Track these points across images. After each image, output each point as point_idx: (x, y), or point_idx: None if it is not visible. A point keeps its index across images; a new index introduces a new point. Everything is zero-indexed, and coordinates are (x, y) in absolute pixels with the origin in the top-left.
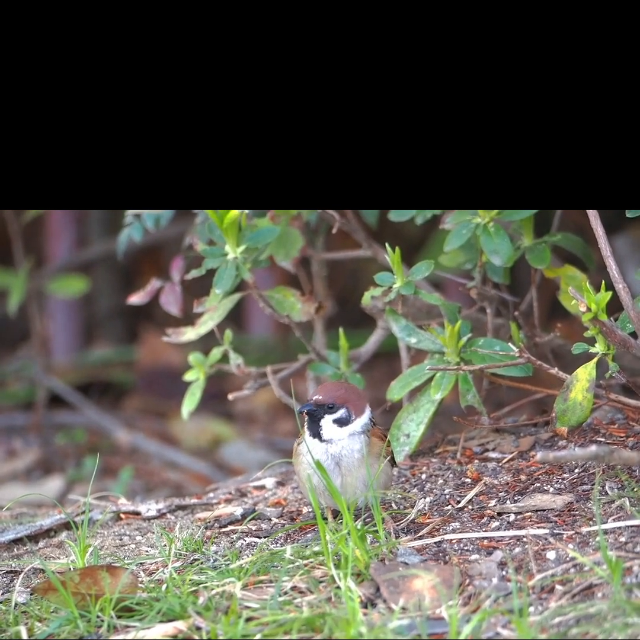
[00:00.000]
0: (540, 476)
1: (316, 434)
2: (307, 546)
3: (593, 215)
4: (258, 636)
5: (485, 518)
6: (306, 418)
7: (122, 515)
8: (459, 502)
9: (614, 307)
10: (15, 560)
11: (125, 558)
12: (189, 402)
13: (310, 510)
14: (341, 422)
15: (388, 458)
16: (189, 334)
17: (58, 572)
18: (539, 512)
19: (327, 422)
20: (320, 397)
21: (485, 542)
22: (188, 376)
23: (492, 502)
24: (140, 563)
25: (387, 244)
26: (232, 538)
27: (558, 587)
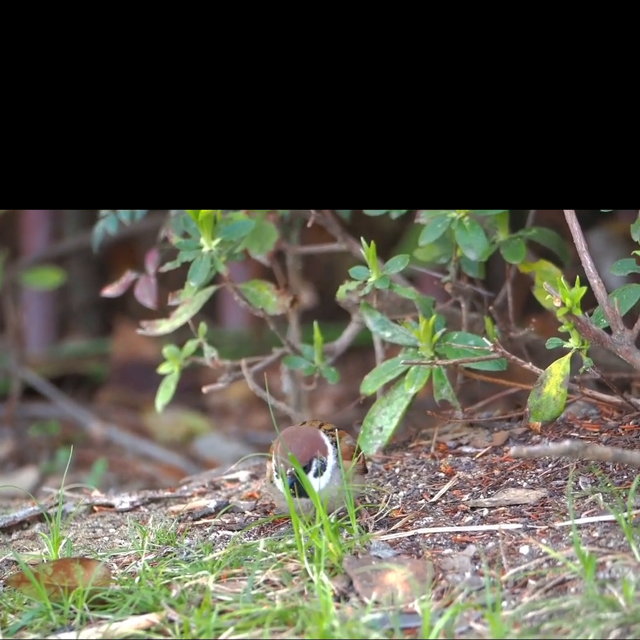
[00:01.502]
0: (513, 471)
1: (302, 492)
2: (280, 539)
3: (568, 211)
4: (231, 629)
5: (459, 512)
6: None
7: (96, 508)
8: (432, 496)
9: (589, 302)
10: None
11: (99, 550)
12: (163, 395)
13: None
14: (319, 472)
15: (358, 466)
16: (164, 326)
17: (31, 564)
18: (512, 507)
19: (309, 480)
20: (293, 469)
21: (459, 536)
22: (162, 369)
23: (466, 497)
24: (114, 555)
25: (362, 238)
26: (206, 531)
27: (531, 582)
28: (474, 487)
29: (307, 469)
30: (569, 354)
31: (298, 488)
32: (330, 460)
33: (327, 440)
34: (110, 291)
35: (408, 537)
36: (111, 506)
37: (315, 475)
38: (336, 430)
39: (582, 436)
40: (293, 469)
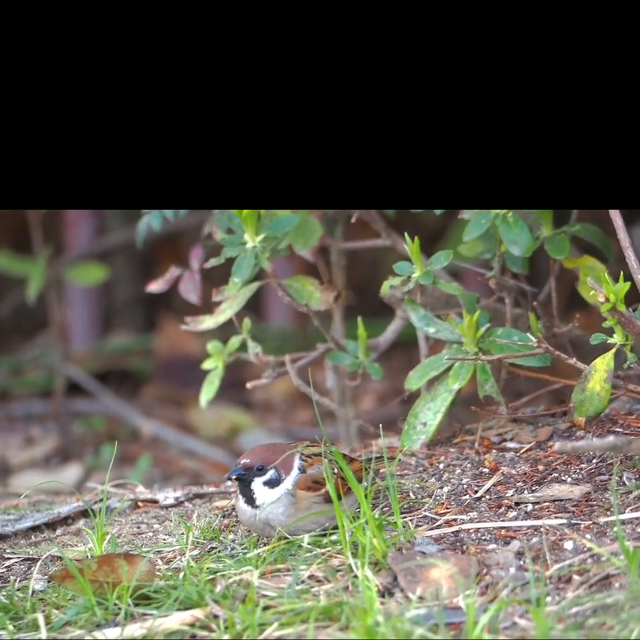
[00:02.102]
0: (557, 466)
1: (249, 499)
2: (324, 535)
3: None
4: (275, 625)
5: (503, 508)
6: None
7: (140, 503)
8: (476, 491)
9: (633, 297)
10: (32, 547)
11: (143, 546)
12: (207, 391)
13: None
14: (272, 484)
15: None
16: (208, 322)
17: (75, 560)
18: (556, 502)
19: (257, 485)
20: (248, 461)
21: (503, 531)
22: (206, 365)
23: (510, 492)
24: (158, 551)
25: (406, 234)
26: None
27: (575, 577)
28: (518, 482)
29: (260, 471)
30: (613, 350)
31: (243, 490)
32: (287, 481)
33: (296, 463)
34: (155, 287)
35: (452, 532)
36: (155, 502)
37: (267, 484)
38: (322, 457)
39: (626, 431)
40: (245, 462)
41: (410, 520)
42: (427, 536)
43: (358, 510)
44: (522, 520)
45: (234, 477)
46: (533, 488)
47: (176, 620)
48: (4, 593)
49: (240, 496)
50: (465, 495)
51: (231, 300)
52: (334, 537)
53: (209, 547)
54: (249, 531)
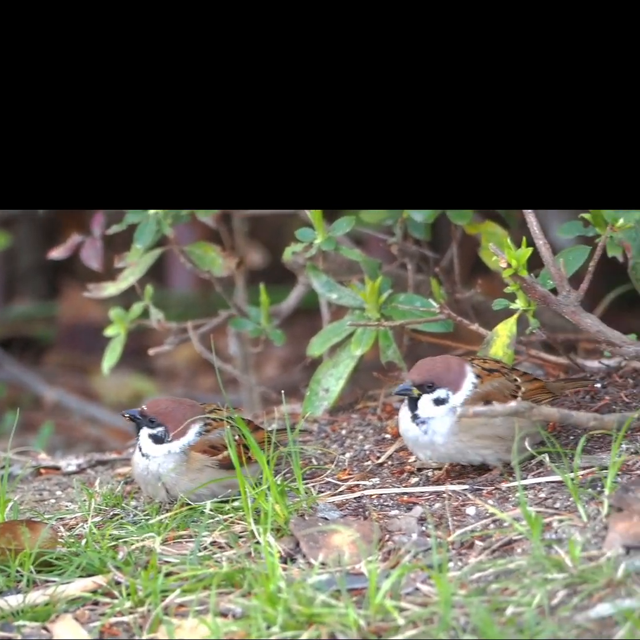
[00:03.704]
0: None
1: (138, 447)
2: (226, 501)
3: None
4: (177, 591)
5: (405, 474)
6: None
7: (42, 470)
8: (379, 457)
9: (535, 263)
10: None
11: (45, 513)
12: (110, 358)
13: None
14: (156, 439)
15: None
16: (110, 289)
17: None
18: (458, 467)
19: (144, 435)
20: (145, 408)
21: (405, 497)
22: (109, 331)
23: (412, 458)
24: (60, 518)
25: None
26: None
27: (478, 542)
28: None
29: (151, 423)
30: (516, 315)
31: (137, 437)
32: (180, 442)
33: (197, 426)
34: (57, 254)
35: (354, 498)
36: (58, 469)
37: (154, 439)
38: (225, 423)
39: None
40: (142, 408)
41: (313, 486)
42: (329, 502)
43: (261, 476)
44: (423, 486)
45: (127, 415)
46: None
47: (78, 587)
48: None
49: (137, 447)
50: (367, 461)
51: (133, 267)
52: (236, 504)
53: (111, 513)
54: (151, 498)
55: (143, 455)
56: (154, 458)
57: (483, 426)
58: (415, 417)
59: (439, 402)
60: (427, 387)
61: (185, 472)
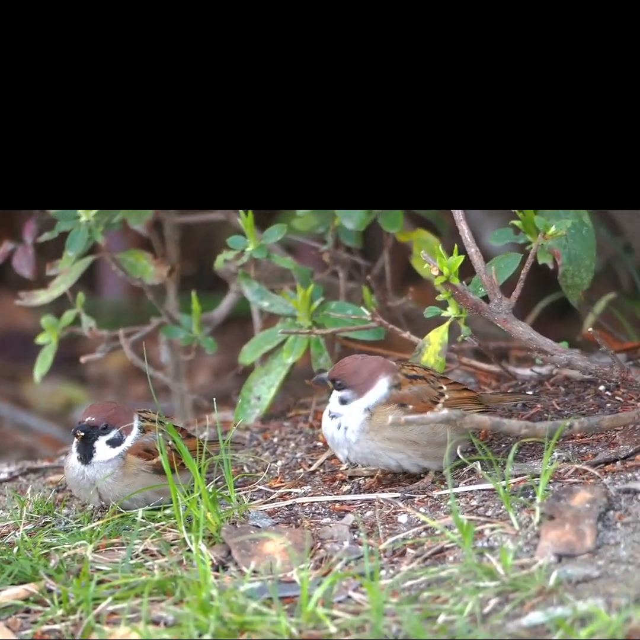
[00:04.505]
0: None
1: (85, 456)
2: (158, 509)
3: None
4: (109, 599)
5: (337, 482)
6: (77, 440)
7: None
8: (310, 465)
9: (467, 271)
10: None
11: None
12: (41, 365)
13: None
14: (113, 443)
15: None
16: (42, 297)
17: None
18: (390, 476)
19: (101, 444)
20: (93, 419)
21: (337, 505)
22: (40, 339)
23: (344, 466)
24: None
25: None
26: None
27: (409, 550)
28: None
29: (105, 430)
30: (447, 323)
31: (83, 447)
32: (124, 443)
33: (136, 426)
34: None
35: (286, 506)
36: None
37: (109, 444)
38: (158, 426)
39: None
40: (89, 419)
41: (245, 494)
42: (261, 510)
43: (193, 484)
44: (355, 494)
45: (79, 432)
46: None
47: (10, 594)
48: None
49: (74, 453)
50: (299, 469)
51: (65, 275)
52: (168, 511)
53: (43, 521)
54: (84, 506)
55: (81, 461)
56: (93, 465)
57: (393, 428)
58: (330, 412)
59: (343, 401)
60: (337, 383)
61: (122, 477)
